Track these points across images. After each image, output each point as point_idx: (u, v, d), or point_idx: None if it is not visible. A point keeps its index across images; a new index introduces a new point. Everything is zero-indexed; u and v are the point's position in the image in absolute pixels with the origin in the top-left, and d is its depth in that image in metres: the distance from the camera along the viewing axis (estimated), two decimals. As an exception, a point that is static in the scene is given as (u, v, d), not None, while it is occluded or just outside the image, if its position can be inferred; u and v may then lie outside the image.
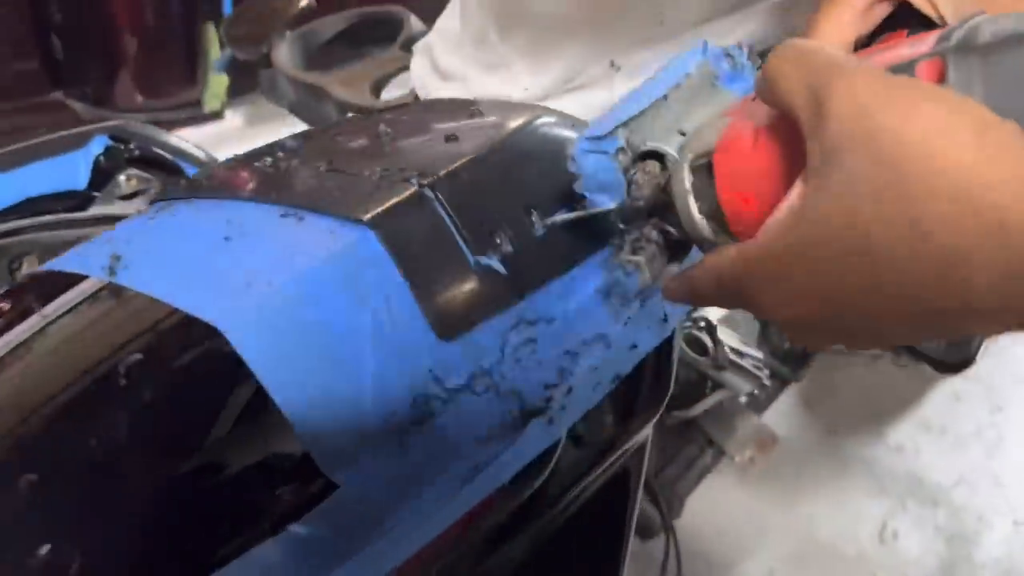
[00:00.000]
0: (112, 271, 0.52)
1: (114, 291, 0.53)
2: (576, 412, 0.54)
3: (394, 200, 0.52)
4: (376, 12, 1.53)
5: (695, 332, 1.03)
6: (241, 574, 0.42)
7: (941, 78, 0.37)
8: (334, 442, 0.46)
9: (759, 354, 1.11)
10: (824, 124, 0.37)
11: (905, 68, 0.39)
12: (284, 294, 0.46)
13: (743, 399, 1.48)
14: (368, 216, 0.50)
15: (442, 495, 0.48)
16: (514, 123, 0.60)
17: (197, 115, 2.66)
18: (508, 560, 0.58)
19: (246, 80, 2.59)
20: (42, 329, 0.52)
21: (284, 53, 1.48)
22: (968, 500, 1.68)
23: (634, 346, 0.58)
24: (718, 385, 1.14)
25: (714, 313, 1.16)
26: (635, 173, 0.51)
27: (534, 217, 0.56)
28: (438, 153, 0.58)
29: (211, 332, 0.45)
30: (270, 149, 0.67)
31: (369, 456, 0.47)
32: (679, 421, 1.28)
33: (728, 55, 0.55)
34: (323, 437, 0.45)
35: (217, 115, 2.75)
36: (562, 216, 0.55)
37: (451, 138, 0.60)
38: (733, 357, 1.06)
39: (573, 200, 0.57)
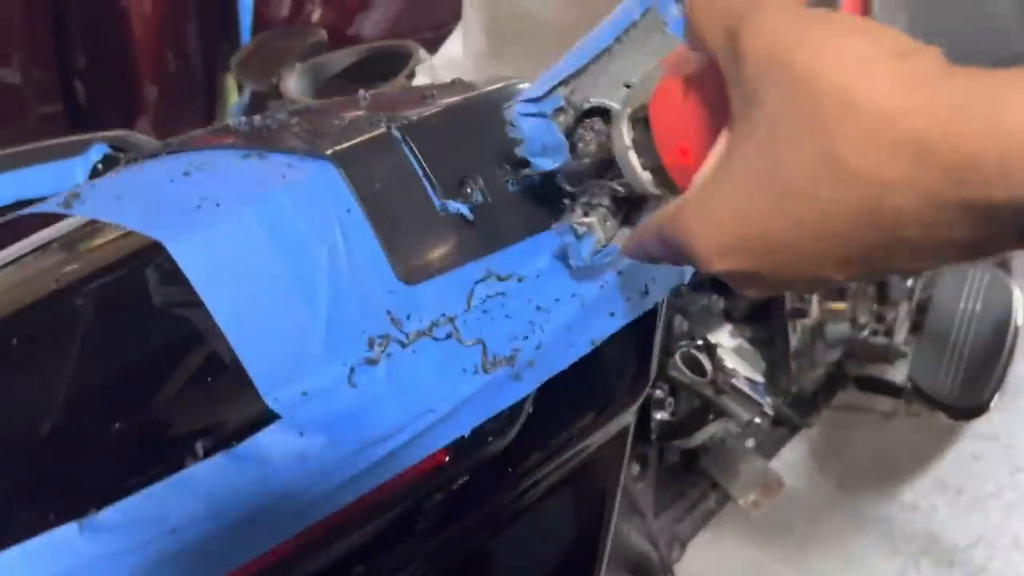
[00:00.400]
0: (68, 204, 0.50)
1: (70, 239, 0.52)
2: (546, 370, 0.51)
3: (359, 139, 0.50)
4: (386, 46, 1.55)
5: (694, 352, 1.00)
6: (173, 491, 0.39)
7: (866, 9, 0.37)
8: (275, 366, 0.43)
9: (760, 379, 1.07)
10: (741, 66, 0.36)
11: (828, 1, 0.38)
12: (234, 216, 0.44)
13: (750, 443, 1.43)
14: (330, 151, 0.49)
15: (391, 438, 0.45)
16: (491, 86, 0.59)
17: (213, 162, 2.69)
18: (473, 536, 0.54)
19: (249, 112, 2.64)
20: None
21: (293, 84, 1.50)
22: (986, 562, 1.60)
23: (612, 313, 0.55)
24: (719, 413, 1.09)
25: (714, 338, 1.13)
26: (579, 132, 0.49)
27: (506, 172, 0.54)
28: (412, 105, 0.56)
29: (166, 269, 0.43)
30: (248, 119, 0.66)
31: (314, 387, 0.44)
32: (680, 452, 1.23)
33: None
34: (264, 359, 0.43)
35: (233, 163, 2.77)
36: (517, 176, 0.54)
37: (427, 97, 0.58)
38: (734, 381, 1.02)
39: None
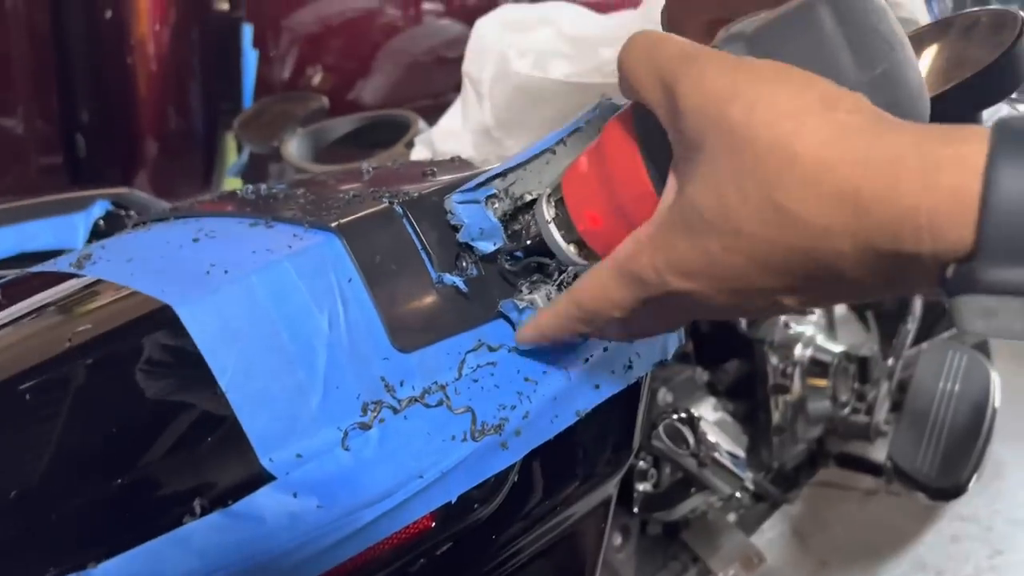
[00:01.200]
0: (79, 265, 0.53)
1: (77, 298, 0.54)
2: (532, 440, 0.53)
3: (363, 212, 0.53)
4: (385, 115, 1.59)
5: (677, 424, 1.01)
6: (170, 547, 0.40)
7: None
8: (272, 428, 0.45)
9: (742, 453, 1.08)
10: (680, 119, 0.38)
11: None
12: (240, 281, 0.47)
13: (731, 517, 1.43)
14: (335, 223, 0.51)
15: (381, 501, 0.46)
16: (487, 167, 0.62)
17: (208, 219, 2.71)
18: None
19: (249, 176, 2.67)
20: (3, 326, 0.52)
21: (294, 148, 1.53)
22: (966, 645, 1.60)
23: (597, 386, 0.57)
24: (701, 486, 1.10)
25: (697, 411, 1.14)
26: (519, 219, 0.54)
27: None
28: (412, 181, 0.59)
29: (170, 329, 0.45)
30: (254, 188, 0.68)
31: (308, 449, 0.46)
32: (662, 524, 1.23)
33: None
34: (262, 421, 0.44)
35: (228, 220, 2.80)
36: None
37: (428, 173, 0.61)
38: (715, 454, 1.04)
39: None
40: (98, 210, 1.12)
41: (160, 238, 0.55)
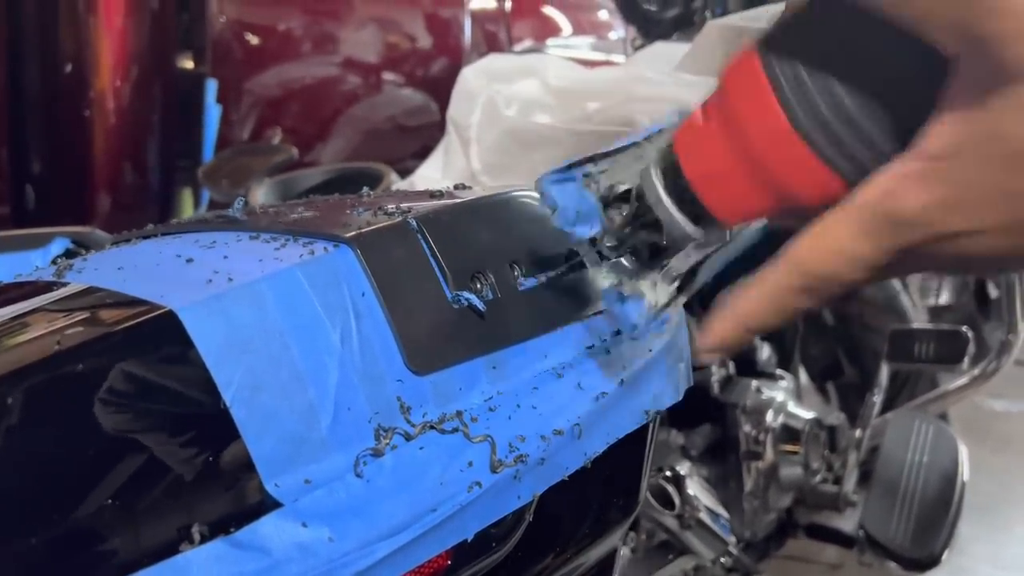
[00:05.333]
0: (60, 274, 0.48)
1: (67, 301, 0.49)
2: (548, 477, 0.49)
3: (377, 226, 0.49)
4: (356, 167, 1.57)
5: (661, 482, 0.98)
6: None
7: None
8: (279, 449, 0.40)
9: (725, 513, 1.05)
10: (991, 41, 0.34)
11: None
12: (246, 290, 0.43)
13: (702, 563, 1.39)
14: (348, 235, 0.48)
15: (397, 535, 0.42)
16: (501, 191, 0.60)
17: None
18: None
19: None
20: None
21: (262, 197, 1.50)
22: None
23: (610, 428, 0.54)
24: (681, 551, 1.06)
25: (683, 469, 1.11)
26: (614, 210, 0.48)
27: (517, 272, 0.54)
28: (423, 200, 0.56)
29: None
30: (249, 206, 0.65)
31: (318, 475, 0.41)
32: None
33: None
34: (268, 441, 0.40)
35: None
36: (536, 278, 0.54)
37: (436, 195, 0.58)
38: (700, 515, 1.00)
39: (559, 264, 0.56)
40: (57, 248, 1.06)
41: (151, 250, 0.51)
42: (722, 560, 1.08)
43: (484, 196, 0.57)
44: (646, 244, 0.48)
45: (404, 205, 0.55)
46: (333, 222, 0.51)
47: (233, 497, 0.39)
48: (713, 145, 0.42)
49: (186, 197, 2.58)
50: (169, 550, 0.37)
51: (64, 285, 0.48)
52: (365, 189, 0.64)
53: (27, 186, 2.49)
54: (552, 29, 3.46)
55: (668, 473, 0.98)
